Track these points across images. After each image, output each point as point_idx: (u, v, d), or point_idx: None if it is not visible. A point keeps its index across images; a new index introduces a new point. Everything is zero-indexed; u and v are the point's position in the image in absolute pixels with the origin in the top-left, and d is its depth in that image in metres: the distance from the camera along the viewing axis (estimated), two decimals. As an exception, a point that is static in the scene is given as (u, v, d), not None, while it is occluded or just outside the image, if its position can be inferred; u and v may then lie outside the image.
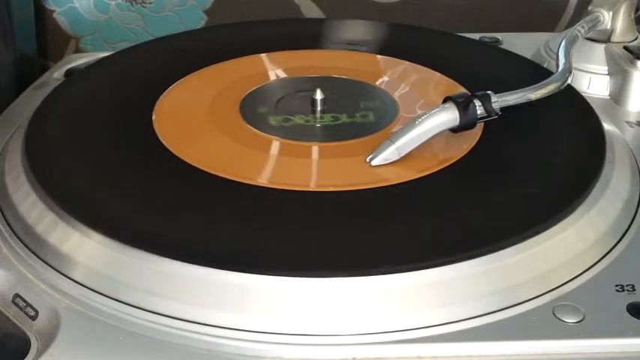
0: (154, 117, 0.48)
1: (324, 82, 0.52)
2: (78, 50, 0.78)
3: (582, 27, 0.55)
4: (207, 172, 0.42)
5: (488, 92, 0.45)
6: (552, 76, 0.48)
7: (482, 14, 0.78)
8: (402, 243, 0.37)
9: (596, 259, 0.38)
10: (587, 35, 0.56)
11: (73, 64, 0.62)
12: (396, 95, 0.52)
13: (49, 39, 0.77)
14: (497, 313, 0.35)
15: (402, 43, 0.60)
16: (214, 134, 0.47)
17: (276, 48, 0.59)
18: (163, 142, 0.45)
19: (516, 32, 0.67)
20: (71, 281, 0.37)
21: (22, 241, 0.40)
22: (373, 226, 0.38)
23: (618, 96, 0.54)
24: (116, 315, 0.35)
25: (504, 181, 0.42)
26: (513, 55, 0.59)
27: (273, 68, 0.57)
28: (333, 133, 0.47)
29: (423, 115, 0.43)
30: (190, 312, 0.34)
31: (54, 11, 0.76)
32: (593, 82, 0.56)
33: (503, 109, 0.45)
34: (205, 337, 0.33)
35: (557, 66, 0.50)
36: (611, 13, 0.57)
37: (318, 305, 0.34)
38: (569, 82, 0.49)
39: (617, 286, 0.36)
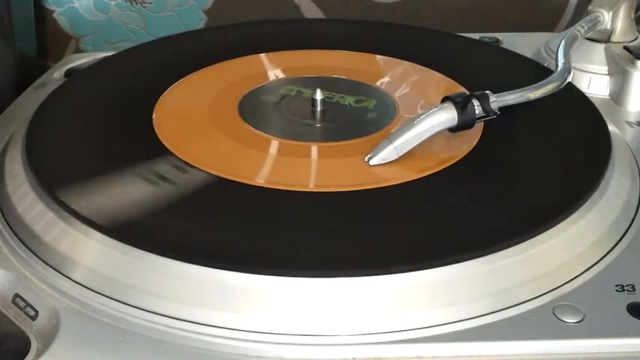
0: (154, 117, 0.48)
1: (324, 82, 0.52)
2: (78, 50, 0.77)
3: (582, 27, 0.55)
4: (206, 172, 0.42)
5: (487, 92, 0.45)
6: (551, 76, 0.48)
7: (482, 14, 0.78)
8: (401, 243, 0.37)
9: (596, 259, 0.38)
10: (587, 35, 0.56)
11: (73, 64, 0.62)
12: (396, 95, 0.52)
13: (49, 39, 0.77)
14: (497, 313, 0.35)
15: (402, 43, 0.60)
16: (214, 134, 0.47)
17: (276, 48, 0.59)
18: (163, 142, 0.45)
19: (516, 32, 0.67)
20: (71, 281, 0.37)
21: (22, 241, 0.39)
22: (373, 226, 0.38)
23: (618, 96, 0.54)
24: (116, 315, 0.35)
25: (504, 182, 0.42)
26: (513, 54, 0.59)
27: (273, 68, 0.57)
28: (332, 133, 0.47)
29: (421, 114, 0.44)
30: (190, 312, 0.34)
31: (54, 11, 0.76)
32: (593, 82, 0.56)
33: (503, 108, 0.45)
34: (205, 337, 0.33)
35: (557, 66, 0.50)
36: (611, 13, 0.57)
37: (318, 305, 0.34)
38: (568, 81, 0.49)
39: (617, 286, 0.36)
